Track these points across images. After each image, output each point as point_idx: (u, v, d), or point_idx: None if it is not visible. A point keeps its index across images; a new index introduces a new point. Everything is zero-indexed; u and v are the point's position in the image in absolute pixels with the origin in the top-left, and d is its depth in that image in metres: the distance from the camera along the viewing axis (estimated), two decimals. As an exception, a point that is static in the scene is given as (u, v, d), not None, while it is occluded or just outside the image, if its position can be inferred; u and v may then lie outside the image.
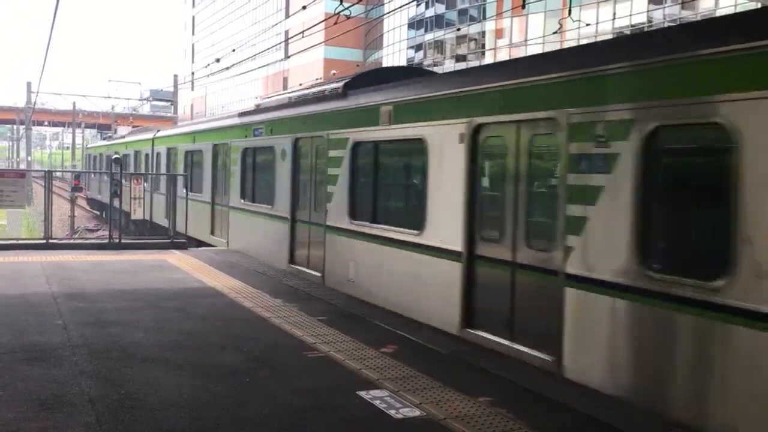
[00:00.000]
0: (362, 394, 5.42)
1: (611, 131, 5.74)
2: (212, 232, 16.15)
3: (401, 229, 8.63)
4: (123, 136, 32.02)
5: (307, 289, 10.00)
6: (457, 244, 7.53)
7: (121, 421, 4.71)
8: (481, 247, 7.33)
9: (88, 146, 49.51)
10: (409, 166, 9.08)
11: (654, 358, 5.34)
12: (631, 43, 6.61)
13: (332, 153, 10.43)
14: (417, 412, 5.04)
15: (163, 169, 21.05)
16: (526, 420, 4.92)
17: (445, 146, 7.83)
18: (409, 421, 4.89)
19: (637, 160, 5.50)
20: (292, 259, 11.83)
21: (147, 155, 23.65)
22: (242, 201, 14.13)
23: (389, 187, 9.65)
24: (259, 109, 14.36)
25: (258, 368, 6.07)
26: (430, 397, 5.36)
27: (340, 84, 11.08)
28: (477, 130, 7.41)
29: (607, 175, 5.75)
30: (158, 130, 24.18)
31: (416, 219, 8.32)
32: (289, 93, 13.82)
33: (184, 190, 16.95)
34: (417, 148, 8.38)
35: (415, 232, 8.30)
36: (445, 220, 7.76)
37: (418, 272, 8.24)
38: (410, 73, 10.80)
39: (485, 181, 7.51)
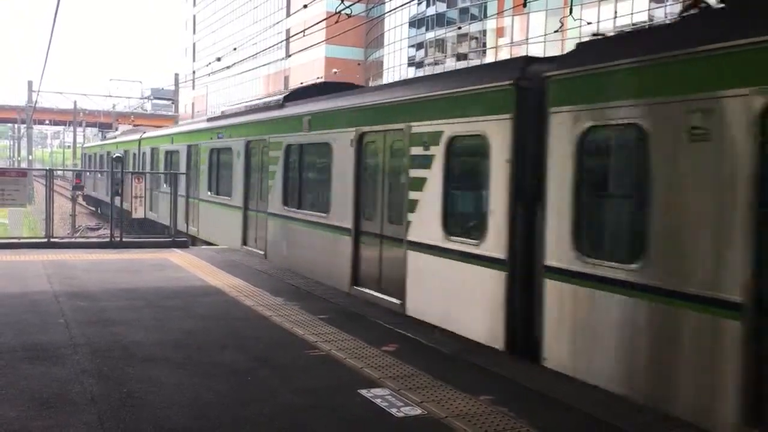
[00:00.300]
0: (363, 392, 5.43)
1: (430, 139, 8.08)
2: (186, 222, 17.82)
3: (316, 213, 10.98)
4: (115, 137, 34.44)
5: (308, 288, 10.03)
6: (348, 222, 9.86)
7: (123, 419, 4.72)
8: (364, 224, 9.66)
9: (84, 146, 50.92)
10: (321, 164, 11.33)
11: (452, 292, 7.68)
12: (441, 79, 9.13)
13: (272, 153, 12.97)
14: (418, 411, 5.06)
15: (147, 167, 23.06)
16: (526, 419, 4.93)
17: (342, 149, 10.19)
18: (410, 420, 4.90)
19: (443, 159, 7.86)
20: (244, 241, 14.16)
21: (134, 154, 25.98)
22: (209, 194, 16.43)
23: (309, 181, 12.06)
24: (222, 116, 16.95)
25: (259, 367, 6.08)
26: (431, 396, 5.37)
27: (281, 97, 13.78)
28: (361, 136, 9.74)
29: (428, 170, 8.07)
30: (144, 132, 26.47)
31: (325, 204, 10.69)
32: (245, 102, 16.46)
33: (165, 185, 18.78)
34: (325, 150, 10.84)
35: (324, 215, 10.66)
36: (342, 204, 10.07)
37: (326, 246, 10.58)
38: (339, 88, 13.00)
39: (366, 174, 9.73)
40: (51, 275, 10.34)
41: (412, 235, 8.37)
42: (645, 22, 42.21)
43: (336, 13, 14.44)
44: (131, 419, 4.73)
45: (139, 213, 16.13)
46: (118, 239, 14.24)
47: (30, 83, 50.74)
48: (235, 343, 6.84)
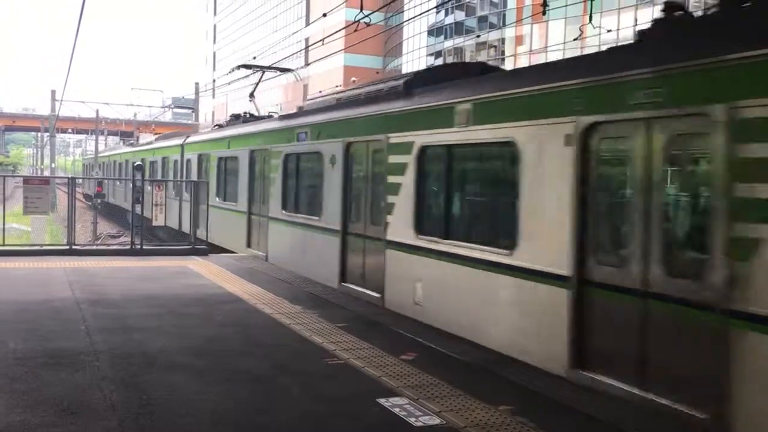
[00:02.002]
0: (382, 401, 5.41)
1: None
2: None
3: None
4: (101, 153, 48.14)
5: (326, 296, 10.03)
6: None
7: (143, 426, 4.75)
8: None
9: (99, 156, 54.99)
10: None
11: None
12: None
13: (156, 162, 22.45)
14: (437, 420, 5.03)
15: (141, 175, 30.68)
16: (547, 429, 4.89)
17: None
18: (429, 429, 4.87)
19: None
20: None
21: (106, 164, 36.18)
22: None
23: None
24: (145, 143, 27.56)
25: (278, 375, 6.09)
26: (450, 405, 5.34)
27: (154, 138, 22.69)
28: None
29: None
30: (115, 150, 37.92)
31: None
32: (157, 137, 28.24)
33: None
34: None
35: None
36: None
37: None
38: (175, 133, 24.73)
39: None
40: (73, 282, 10.44)
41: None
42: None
43: (355, 21, 14.51)
44: (151, 426, 4.75)
45: (159, 221, 16.25)
46: (139, 246, 14.36)
47: (53, 92, 51.43)
48: (254, 351, 6.86)
